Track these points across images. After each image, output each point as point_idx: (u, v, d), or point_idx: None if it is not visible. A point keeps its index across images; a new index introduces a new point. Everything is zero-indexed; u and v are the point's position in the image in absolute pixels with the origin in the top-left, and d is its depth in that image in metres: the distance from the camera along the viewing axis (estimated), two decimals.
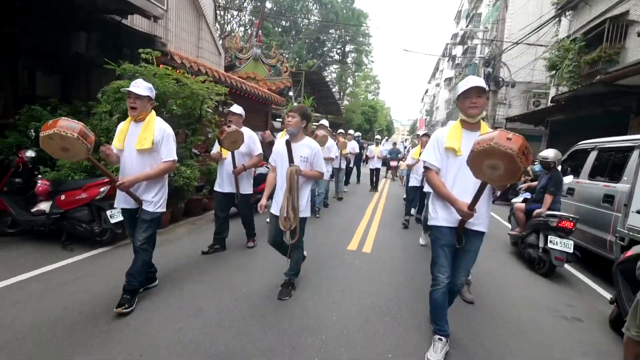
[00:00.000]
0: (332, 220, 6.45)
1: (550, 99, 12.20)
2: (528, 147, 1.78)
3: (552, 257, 4.16)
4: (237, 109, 4.19)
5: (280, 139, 4.79)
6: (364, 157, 14.39)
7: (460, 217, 2.25)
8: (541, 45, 13.14)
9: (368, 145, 15.26)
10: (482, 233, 2.35)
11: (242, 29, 31.33)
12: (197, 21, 9.49)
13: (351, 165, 10.42)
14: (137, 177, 2.68)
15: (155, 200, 2.81)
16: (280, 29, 32.31)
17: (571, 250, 4.12)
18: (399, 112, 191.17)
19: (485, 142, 1.80)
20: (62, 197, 4.00)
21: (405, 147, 19.21)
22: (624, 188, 4.10)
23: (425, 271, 4.15)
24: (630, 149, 4.27)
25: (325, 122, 7.02)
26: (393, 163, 13.67)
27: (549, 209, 4.54)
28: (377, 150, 11.20)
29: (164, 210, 2.93)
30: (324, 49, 35.30)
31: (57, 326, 2.48)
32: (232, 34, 17.39)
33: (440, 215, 2.39)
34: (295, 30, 32.17)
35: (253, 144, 4.17)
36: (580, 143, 5.53)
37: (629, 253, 2.96)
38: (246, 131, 4.12)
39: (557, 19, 12.10)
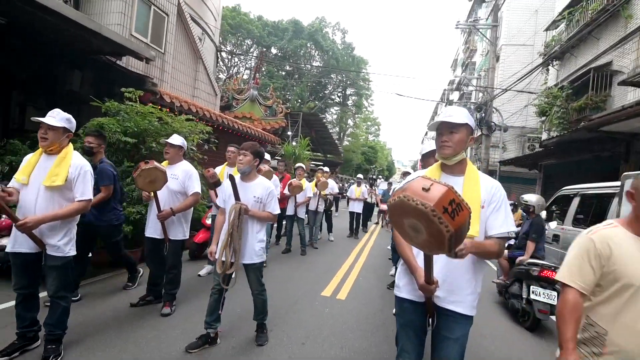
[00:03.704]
0: (312, 262, 6.22)
1: (540, 143, 12.33)
2: (458, 201, 1.26)
3: (535, 309, 3.90)
4: (176, 139, 3.59)
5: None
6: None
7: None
8: (530, 92, 13.51)
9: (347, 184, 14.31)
10: (463, 316, 1.74)
11: (247, 71, 32.88)
12: (195, 63, 9.91)
13: (333, 209, 9.32)
14: (44, 217, 2.36)
15: (61, 245, 2.49)
16: (284, 73, 33.82)
17: (555, 302, 3.87)
18: (400, 153, 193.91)
19: (397, 193, 1.31)
20: None
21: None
22: None
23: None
24: (611, 196, 4.17)
25: (268, 157, 6.13)
26: (384, 206, 11.40)
27: (531, 257, 4.36)
28: (358, 192, 9.60)
29: (75, 252, 2.64)
30: (325, 92, 36.65)
31: None
32: (235, 76, 18.15)
33: (403, 284, 1.86)
34: (298, 73, 33.64)
35: (189, 181, 3.51)
36: (564, 188, 5.44)
37: None
38: (182, 165, 3.59)
39: (544, 68, 12.54)
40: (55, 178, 2.43)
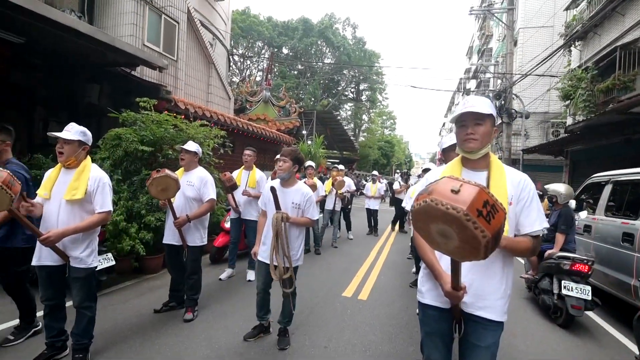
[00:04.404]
0: (332, 262, 6.17)
1: (565, 129, 11.82)
2: (492, 202, 1.14)
3: (568, 305, 3.71)
4: (191, 146, 3.65)
5: (270, 180, 4.55)
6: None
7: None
8: (552, 76, 12.94)
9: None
10: (494, 322, 1.62)
11: (260, 73, 33.09)
12: (207, 69, 10.02)
13: (350, 206, 9.01)
14: (66, 231, 2.42)
15: (83, 256, 2.55)
16: (296, 72, 33.82)
17: (589, 297, 3.67)
18: (418, 145, 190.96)
19: (422, 197, 1.19)
20: None
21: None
22: None
23: None
24: None
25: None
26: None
27: (561, 249, 4.15)
28: (374, 189, 9.49)
29: (97, 263, 2.73)
30: (338, 89, 36.43)
31: None
32: (247, 79, 18.30)
33: (426, 289, 1.74)
34: (310, 72, 33.57)
35: (204, 187, 3.55)
36: (594, 176, 5.15)
37: None
38: (198, 172, 3.63)
39: (566, 49, 11.98)
40: (75, 192, 2.48)
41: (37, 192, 2.59)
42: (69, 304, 2.71)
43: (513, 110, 13.89)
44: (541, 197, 8.21)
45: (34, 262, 2.59)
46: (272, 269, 2.88)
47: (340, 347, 3.13)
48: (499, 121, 14.11)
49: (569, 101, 11.32)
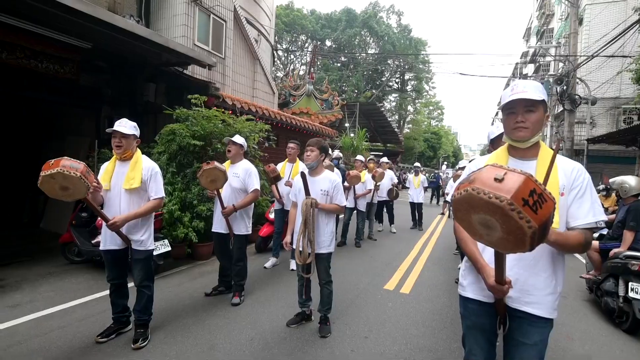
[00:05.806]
0: (374, 255, 6.13)
1: (638, 115, 10.55)
2: (540, 191, 1.06)
3: (635, 309, 3.37)
4: (238, 139, 3.83)
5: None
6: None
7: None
8: (625, 56, 11.57)
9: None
10: (542, 319, 1.51)
11: (304, 67, 33.34)
12: (253, 65, 10.32)
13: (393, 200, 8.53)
14: (128, 216, 2.70)
15: (144, 239, 2.85)
16: (339, 64, 33.62)
17: None
18: (468, 137, 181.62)
19: (463, 186, 1.13)
20: None
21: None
22: None
23: None
24: None
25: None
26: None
27: (630, 248, 3.76)
28: (417, 182, 9.26)
29: (154, 246, 3.01)
30: (382, 79, 35.64)
31: (84, 355, 2.67)
32: (291, 73, 18.55)
33: (467, 282, 1.68)
34: (353, 63, 33.19)
35: (248, 179, 3.72)
36: None
37: None
38: (243, 164, 3.81)
39: None
40: (132, 181, 2.76)
41: None
42: (130, 285, 3.02)
43: (577, 96, 12.66)
44: (608, 192, 7.50)
45: (100, 247, 2.93)
46: (297, 253, 3.02)
47: (381, 338, 3.14)
48: (560, 108, 12.97)
49: None
